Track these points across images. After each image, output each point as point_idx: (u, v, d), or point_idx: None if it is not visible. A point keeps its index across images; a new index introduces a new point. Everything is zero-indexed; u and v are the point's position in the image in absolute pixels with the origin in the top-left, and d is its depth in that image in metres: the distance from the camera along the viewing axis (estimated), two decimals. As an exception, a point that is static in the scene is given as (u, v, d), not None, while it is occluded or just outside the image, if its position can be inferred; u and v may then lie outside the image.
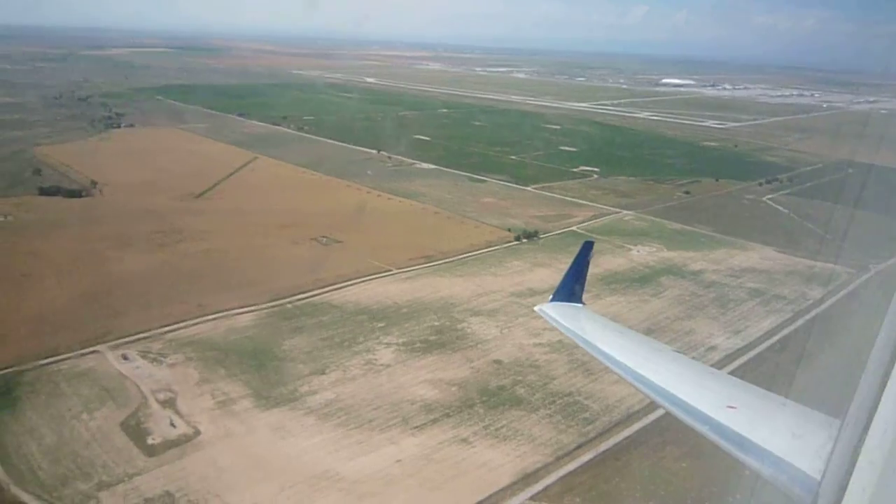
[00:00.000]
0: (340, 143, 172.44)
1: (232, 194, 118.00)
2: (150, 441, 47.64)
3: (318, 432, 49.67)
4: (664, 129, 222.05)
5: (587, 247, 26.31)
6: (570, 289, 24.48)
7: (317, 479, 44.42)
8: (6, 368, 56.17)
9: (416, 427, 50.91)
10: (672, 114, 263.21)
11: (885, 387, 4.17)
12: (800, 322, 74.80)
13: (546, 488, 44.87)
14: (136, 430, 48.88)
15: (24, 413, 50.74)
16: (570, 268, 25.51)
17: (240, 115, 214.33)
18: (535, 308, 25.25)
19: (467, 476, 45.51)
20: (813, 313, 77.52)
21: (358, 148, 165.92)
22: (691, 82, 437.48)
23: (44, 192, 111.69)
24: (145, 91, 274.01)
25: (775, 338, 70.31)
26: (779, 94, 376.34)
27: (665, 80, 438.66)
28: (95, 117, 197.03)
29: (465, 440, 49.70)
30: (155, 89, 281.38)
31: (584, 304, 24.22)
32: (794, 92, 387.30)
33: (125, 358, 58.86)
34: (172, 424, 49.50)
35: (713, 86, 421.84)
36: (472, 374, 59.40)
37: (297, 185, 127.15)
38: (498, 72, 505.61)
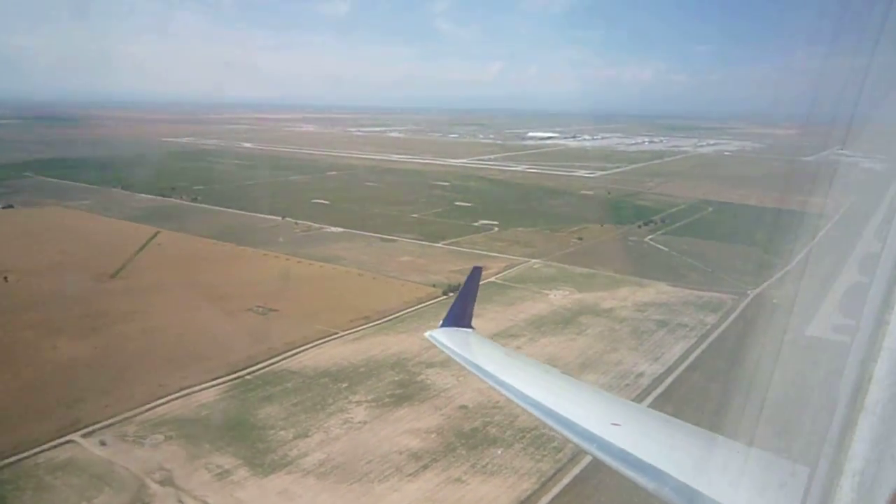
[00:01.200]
0: (241, 212, 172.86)
1: (147, 271, 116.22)
2: (162, 520, 48.93)
3: (323, 490, 52.92)
4: (543, 181, 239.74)
5: (476, 272, 26.89)
6: (461, 313, 24.68)
7: (337, 531, 47.86)
8: (-21, 469, 54.84)
9: (411, 474, 55.41)
10: (546, 166, 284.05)
11: (851, 438, 4.09)
12: (704, 345, 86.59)
13: (541, 511, 50.94)
14: (143, 512, 49.89)
15: (16, 510, 50.15)
16: (460, 293, 26.00)
17: (124, 188, 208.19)
18: (426, 334, 24.78)
19: (472, 510, 50.70)
20: (712, 337, 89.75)
21: (261, 216, 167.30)
22: (555, 134, 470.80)
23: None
24: (8, 167, 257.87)
25: (688, 360, 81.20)
26: (632, 142, 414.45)
27: (531, 134, 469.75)
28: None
29: (458, 479, 54.81)
30: (19, 165, 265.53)
31: (473, 328, 24.53)
32: (646, 139, 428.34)
33: (103, 444, 58.89)
34: (180, 501, 50.89)
35: (574, 137, 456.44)
36: (444, 420, 64.70)
37: (212, 258, 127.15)
38: (373, 132, 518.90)
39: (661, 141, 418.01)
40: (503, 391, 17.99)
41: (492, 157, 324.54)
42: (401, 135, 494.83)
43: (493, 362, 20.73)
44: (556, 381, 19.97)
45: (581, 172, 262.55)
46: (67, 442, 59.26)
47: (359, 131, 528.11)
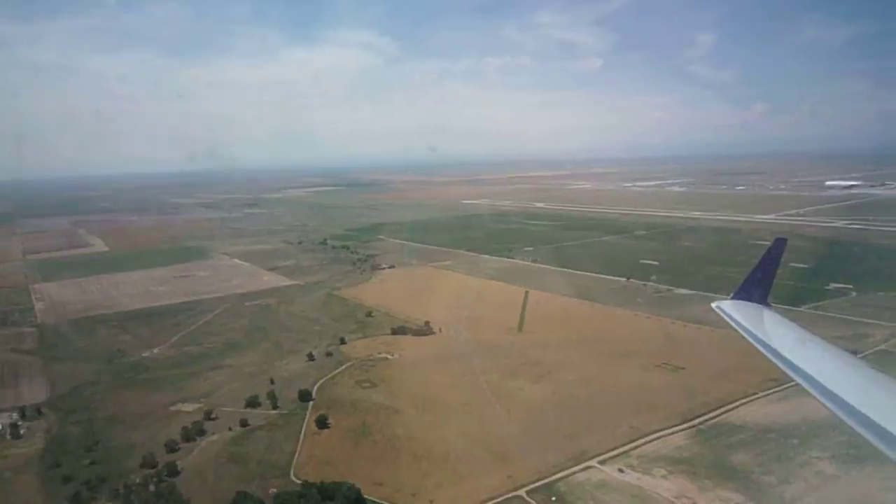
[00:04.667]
0: (582, 272, 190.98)
1: (542, 326, 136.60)
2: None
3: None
4: (877, 239, 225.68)
5: (778, 243, 24.95)
6: (756, 287, 22.27)
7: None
8: (538, 481, 73.85)
9: (916, 526, 62.83)
10: (870, 221, 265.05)
11: None
12: None
13: None
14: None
15: (590, 514, 67.39)
16: (759, 265, 23.28)
17: (467, 249, 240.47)
18: (713, 305, 22.96)
19: None
20: None
21: (603, 276, 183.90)
22: (857, 182, 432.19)
23: (395, 331, 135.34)
24: (362, 231, 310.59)
25: None
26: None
27: (829, 183, 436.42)
28: (351, 259, 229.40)
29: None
30: (367, 229, 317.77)
31: (768, 304, 22.06)
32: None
33: (621, 471, 75.07)
34: (718, 523, 64.23)
35: (883, 185, 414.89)
36: (918, 482, 70.68)
37: (588, 316, 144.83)
38: (650, 186, 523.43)
39: None
40: (798, 378, 16.34)
41: (798, 211, 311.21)
42: (682, 189, 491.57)
43: (789, 345, 18.95)
44: (864, 376, 17.27)
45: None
46: (589, 468, 76.50)
47: (636, 186, 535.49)
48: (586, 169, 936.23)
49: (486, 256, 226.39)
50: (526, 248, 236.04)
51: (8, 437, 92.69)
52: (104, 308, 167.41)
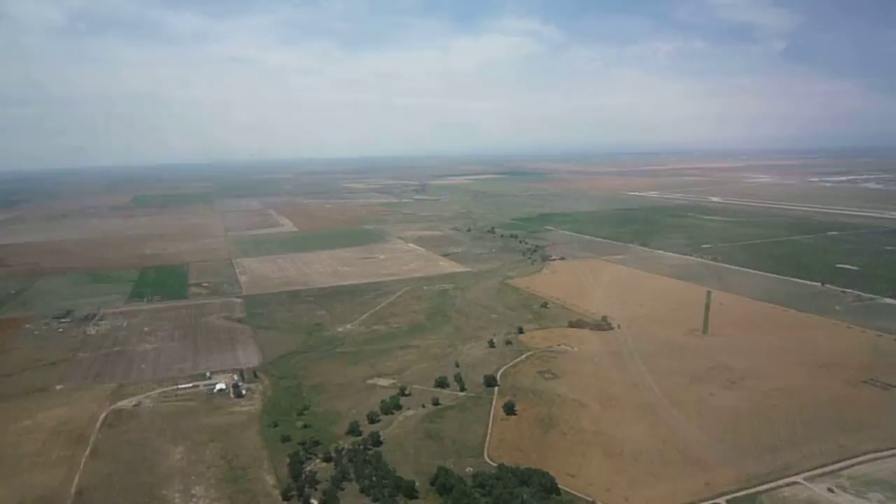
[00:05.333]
0: (769, 274, 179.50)
1: (728, 330, 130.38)
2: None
3: None
4: None
5: None
6: None
7: None
8: (739, 491, 71.66)
9: None
10: None
11: None
12: None
13: None
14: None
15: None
16: None
17: (640, 244, 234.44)
18: None
19: None
20: None
21: (794, 279, 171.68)
22: None
23: (572, 325, 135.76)
24: (529, 220, 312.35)
25: None
26: None
27: None
28: (521, 249, 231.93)
29: None
30: (533, 219, 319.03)
31: None
32: None
33: (831, 490, 70.91)
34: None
35: None
36: None
37: (778, 321, 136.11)
38: (841, 182, 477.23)
39: None
40: None
41: None
42: (879, 186, 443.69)
43: None
44: None
45: None
46: (794, 483, 72.88)
47: (824, 181, 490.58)
48: (763, 160, 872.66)
49: (661, 252, 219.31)
50: (704, 245, 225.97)
51: (232, 395, 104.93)
52: (300, 284, 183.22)
